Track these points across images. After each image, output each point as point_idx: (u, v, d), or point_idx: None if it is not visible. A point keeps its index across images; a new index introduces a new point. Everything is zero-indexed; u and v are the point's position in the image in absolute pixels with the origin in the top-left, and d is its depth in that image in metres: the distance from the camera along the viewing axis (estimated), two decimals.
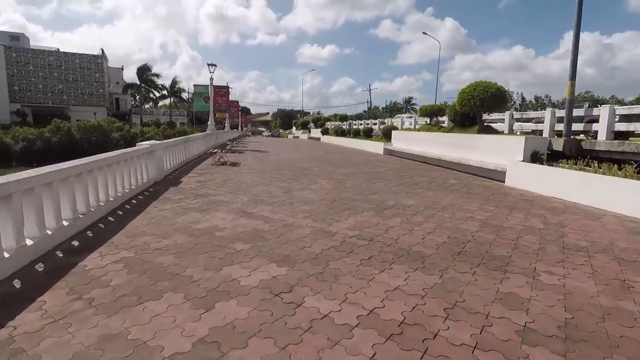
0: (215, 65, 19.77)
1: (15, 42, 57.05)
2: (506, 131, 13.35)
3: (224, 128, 34.06)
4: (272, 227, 5.27)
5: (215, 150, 13.12)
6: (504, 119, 13.76)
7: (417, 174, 11.48)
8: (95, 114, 56.60)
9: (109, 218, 5.56)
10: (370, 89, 71.64)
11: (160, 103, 72.88)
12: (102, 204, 5.72)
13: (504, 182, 9.82)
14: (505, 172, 9.80)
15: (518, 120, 13.50)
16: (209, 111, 21.14)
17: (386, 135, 20.35)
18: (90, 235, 4.78)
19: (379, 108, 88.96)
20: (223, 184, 8.60)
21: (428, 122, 18.03)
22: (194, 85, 26.23)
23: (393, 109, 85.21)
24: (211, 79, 19.90)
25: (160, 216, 5.70)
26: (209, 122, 20.60)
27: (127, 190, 6.78)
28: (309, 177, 10.04)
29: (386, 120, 24.80)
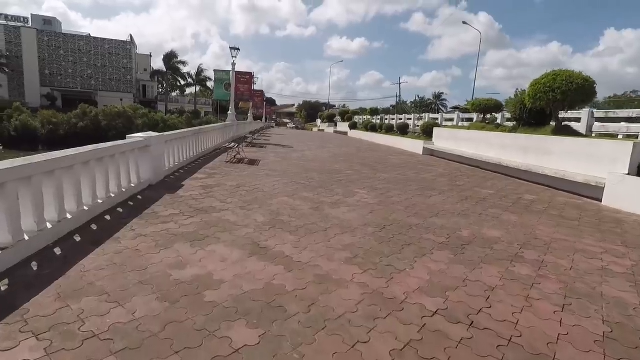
0: (238, 50, 17.84)
1: (47, 26, 57.43)
2: (583, 132, 10.86)
3: (246, 119, 32.37)
4: (296, 282, 3.27)
5: (232, 144, 11.26)
6: (579, 118, 11.26)
7: (477, 183, 9.22)
8: (121, 100, 56.37)
9: (55, 250, 3.70)
10: (400, 83, 68.17)
11: (187, 91, 72.37)
12: (50, 226, 3.87)
13: (600, 200, 7.47)
14: (601, 187, 7.44)
15: (600, 119, 10.97)
16: (230, 100, 19.30)
17: (426, 133, 17.98)
18: (1, 290, 2.92)
19: (407, 103, 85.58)
20: (234, 192, 6.67)
21: (480, 119, 15.54)
22: (214, 71, 24.42)
23: (422, 105, 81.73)
24: (233, 64, 17.95)
25: (132, 250, 3.80)
26: (229, 112, 18.78)
27: (100, 201, 4.94)
28: (343, 185, 7.99)
29: (423, 115, 22.34)
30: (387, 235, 4.70)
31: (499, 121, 14.97)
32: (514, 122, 11.78)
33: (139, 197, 5.96)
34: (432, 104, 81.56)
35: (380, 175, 9.61)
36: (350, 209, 5.93)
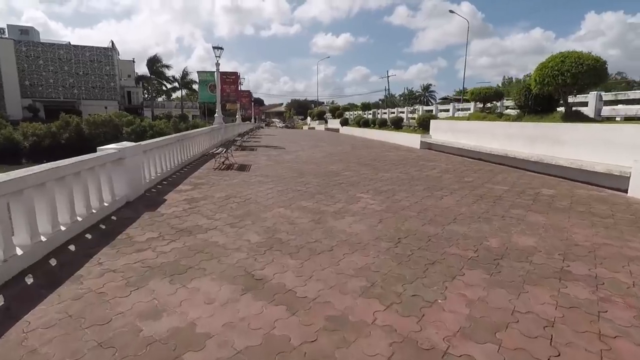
0: (221, 49, 16.96)
1: (24, 36, 55.76)
2: (592, 117, 10.27)
3: (235, 121, 31.45)
4: (303, 330, 2.54)
5: (219, 149, 10.47)
6: (586, 102, 10.67)
7: (486, 178, 8.56)
8: (106, 108, 55.05)
9: None
10: (388, 76, 67.43)
11: (173, 95, 71.12)
12: None
13: (625, 191, 6.86)
14: (626, 177, 6.82)
15: (609, 102, 10.38)
16: (216, 101, 18.44)
17: (422, 126, 17.33)
18: None
19: (396, 96, 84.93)
20: (223, 205, 5.91)
21: (479, 108, 14.93)
22: (198, 72, 23.42)
23: (410, 97, 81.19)
24: (217, 64, 17.05)
25: (95, 293, 3.04)
26: (215, 115, 17.93)
27: (62, 229, 4.16)
28: (343, 189, 7.26)
29: (417, 107, 21.70)
30: (405, 251, 3.99)
31: (498, 110, 14.37)
32: (518, 110, 11.15)
33: (112, 217, 5.18)
34: (420, 96, 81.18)
35: (382, 175, 8.90)
36: (356, 218, 5.21)
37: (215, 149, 11.02)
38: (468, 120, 13.76)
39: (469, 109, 16.57)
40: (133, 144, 6.27)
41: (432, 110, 20.16)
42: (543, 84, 8.98)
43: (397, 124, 20.95)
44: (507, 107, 13.98)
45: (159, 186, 7.29)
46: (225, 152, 10.03)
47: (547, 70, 8.84)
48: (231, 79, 22.51)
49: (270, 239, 4.36)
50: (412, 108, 22.95)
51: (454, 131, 14.10)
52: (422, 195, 6.72)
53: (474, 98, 14.02)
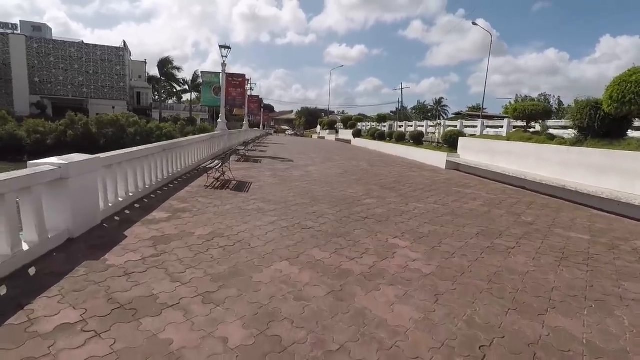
0: (229, 48, 15.38)
1: (37, 32, 55.43)
2: None
3: (242, 127, 29.84)
4: None
5: (214, 162, 8.73)
6: None
7: (548, 218, 6.68)
8: (114, 107, 54.19)
9: None
10: (402, 88, 65.60)
11: (184, 98, 70.16)
12: None
13: None
14: None
15: None
16: (220, 106, 16.81)
17: (448, 143, 15.50)
18: None
19: (408, 109, 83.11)
20: (201, 252, 4.12)
21: (514, 128, 13.08)
22: (202, 73, 21.87)
23: (422, 110, 79.38)
24: (223, 64, 15.42)
25: None
26: (218, 120, 16.29)
27: None
28: (369, 228, 5.45)
29: (440, 122, 19.88)
30: None
31: (537, 129, 12.52)
32: (576, 132, 9.28)
33: (30, 270, 3.43)
34: (432, 110, 79.59)
35: (414, 206, 7.09)
36: (398, 291, 3.40)
37: (210, 162, 9.30)
38: (508, 140, 11.90)
39: (502, 127, 14.74)
40: (84, 157, 4.54)
41: (456, 126, 18.33)
42: (623, 102, 7.13)
43: (417, 140, 19.12)
44: (549, 127, 12.13)
45: (126, 211, 5.54)
46: (220, 166, 8.29)
47: (628, 86, 7.02)
48: (238, 81, 20.83)
49: (263, 336, 2.58)
50: (434, 123, 21.11)
51: (490, 152, 12.22)
52: (479, 245, 4.89)
53: (516, 115, 12.13)
